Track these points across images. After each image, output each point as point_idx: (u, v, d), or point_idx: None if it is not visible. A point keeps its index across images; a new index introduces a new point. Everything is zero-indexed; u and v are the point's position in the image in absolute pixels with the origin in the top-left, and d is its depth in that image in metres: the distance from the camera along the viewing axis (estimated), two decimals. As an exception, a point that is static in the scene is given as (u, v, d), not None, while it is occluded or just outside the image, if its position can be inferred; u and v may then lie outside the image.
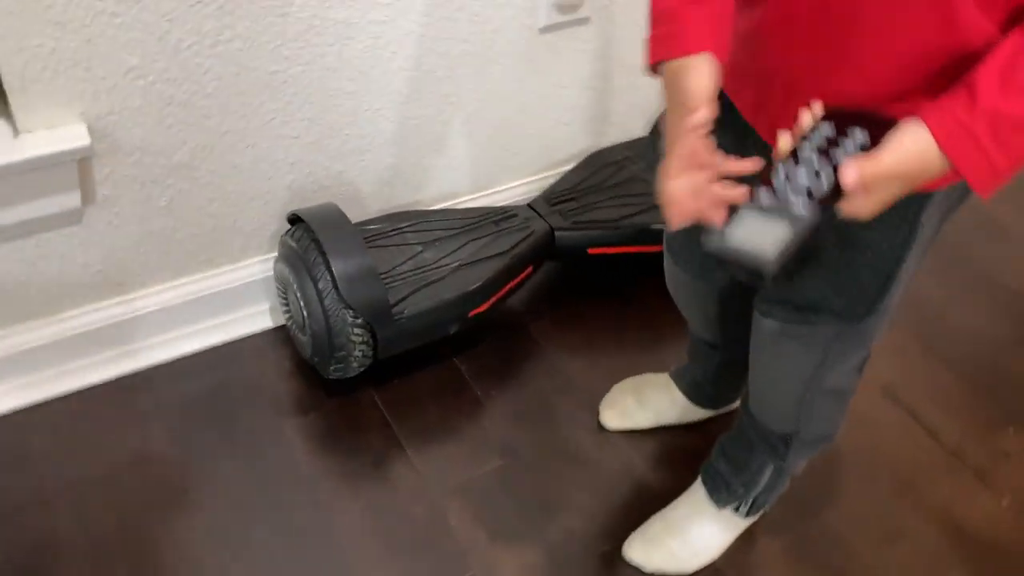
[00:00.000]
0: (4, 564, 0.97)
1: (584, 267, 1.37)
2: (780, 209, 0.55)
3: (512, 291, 1.24)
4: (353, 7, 1.07)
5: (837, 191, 0.56)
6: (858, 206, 0.58)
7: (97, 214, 1.06)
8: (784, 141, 0.60)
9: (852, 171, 0.56)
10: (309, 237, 1.10)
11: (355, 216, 1.22)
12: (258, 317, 1.26)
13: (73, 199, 1.01)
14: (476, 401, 1.20)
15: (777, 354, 0.88)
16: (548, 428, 1.17)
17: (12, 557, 0.98)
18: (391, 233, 1.21)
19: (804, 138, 0.59)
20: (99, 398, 1.15)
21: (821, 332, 0.82)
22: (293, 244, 1.12)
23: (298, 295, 1.10)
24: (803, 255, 0.55)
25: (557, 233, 1.27)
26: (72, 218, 1.04)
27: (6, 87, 0.92)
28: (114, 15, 0.93)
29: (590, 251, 1.30)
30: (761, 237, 0.53)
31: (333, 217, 1.12)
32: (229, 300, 1.22)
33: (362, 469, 1.10)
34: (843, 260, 0.76)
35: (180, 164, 1.08)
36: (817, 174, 0.57)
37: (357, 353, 1.11)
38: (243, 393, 1.17)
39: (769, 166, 0.59)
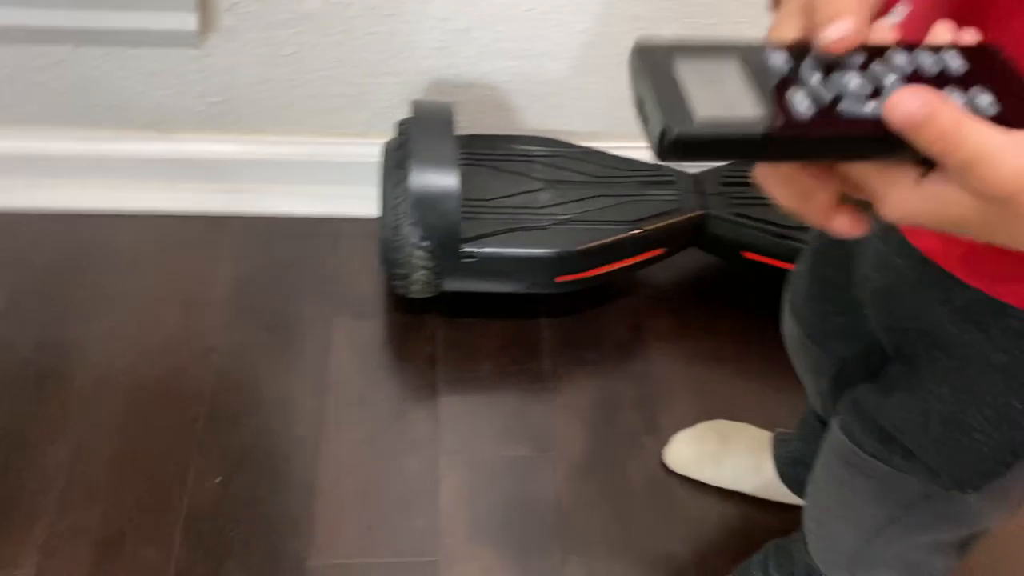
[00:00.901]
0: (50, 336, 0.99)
1: (734, 269, 1.11)
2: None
3: (629, 268, 1.03)
4: None
5: (876, 131, 0.29)
6: (890, 194, 0.30)
7: (219, 43, 1.01)
8: (885, 32, 0.33)
9: (915, 102, 0.27)
10: (406, 135, 0.98)
11: (495, 129, 1.07)
12: (365, 202, 1.16)
13: (188, 21, 0.96)
14: (539, 376, 1.03)
15: (841, 481, 0.62)
16: (602, 439, 0.98)
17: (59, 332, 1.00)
18: (517, 158, 1.05)
19: (909, 49, 0.32)
20: (188, 226, 1.13)
21: (905, 482, 0.56)
22: (393, 138, 1.00)
23: (381, 193, 0.99)
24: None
25: (710, 220, 1.04)
26: (189, 40, 0.99)
27: None
28: None
29: (744, 254, 1.05)
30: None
31: (438, 121, 0.98)
32: (341, 173, 1.14)
33: (382, 396, 1.00)
34: (954, 407, 0.50)
35: (309, 14, 0.99)
36: (874, 92, 0.30)
37: (418, 276, 0.98)
38: (315, 272, 1.10)
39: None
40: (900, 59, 0.31)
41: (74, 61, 1.01)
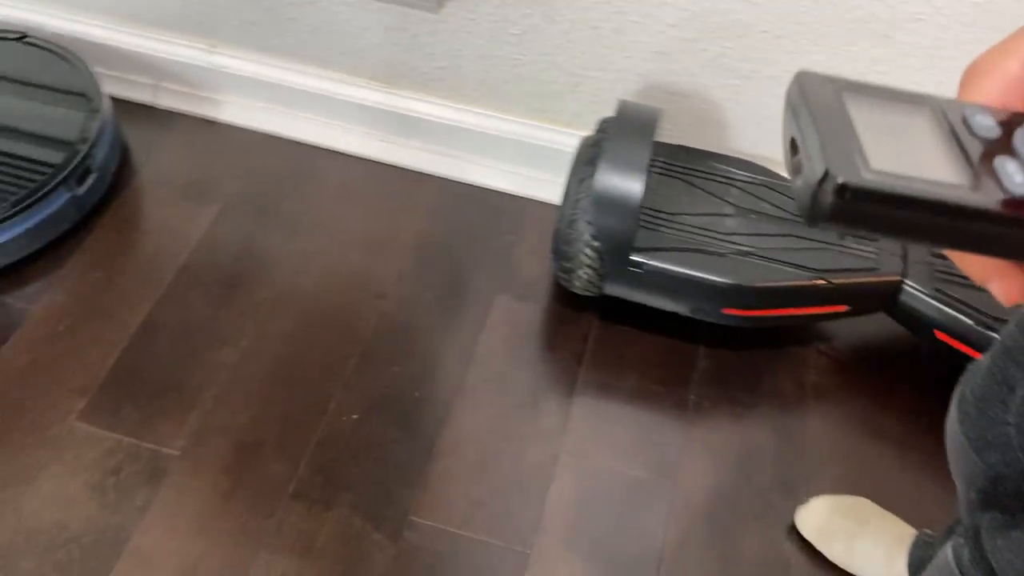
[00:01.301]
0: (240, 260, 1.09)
1: (923, 345, 1.02)
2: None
3: (805, 317, 0.98)
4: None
5: None
6: None
7: (455, 12, 1.05)
8: None
9: None
10: (604, 134, 0.97)
11: (703, 144, 1.05)
12: (555, 188, 1.17)
13: (432, -15, 1.01)
14: (681, 403, 1.00)
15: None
16: (728, 484, 0.94)
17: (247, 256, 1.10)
18: (716, 178, 1.01)
19: None
20: (392, 175, 1.19)
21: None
22: (591, 134, 1.00)
23: (566, 184, 0.99)
24: None
25: (907, 290, 0.95)
26: (428, 4, 1.04)
27: None
28: None
29: (937, 333, 0.96)
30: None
31: (640, 125, 0.96)
32: (540, 157, 1.16)
33: (521, 380, 1.01)
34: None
35: (544, -1, 1.00)
36: None
37: (582, 274, 0.98)
38: (492, 246, 1.13)
39: None
40: None
41: (327, 5, 1.08)
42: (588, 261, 0.97)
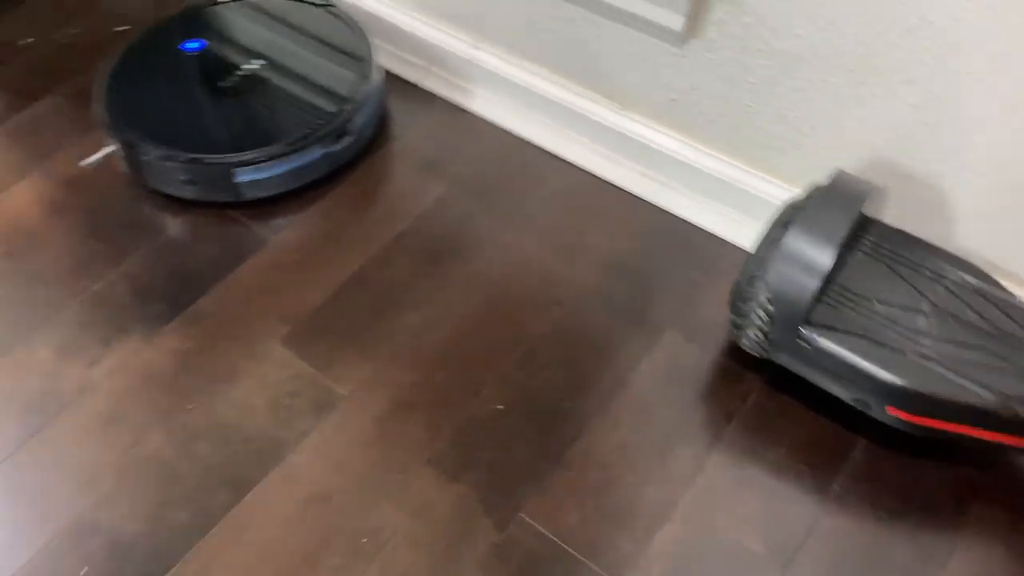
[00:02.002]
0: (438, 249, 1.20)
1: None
2: None
3: (984, 442, 0.90)
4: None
5: None
6: None
7: (697, 50, 1.06)
8: None
9: None
10: (810, 199, 0.95)
11: (922, 232, 1.00)
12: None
13: (677, 21, 1.03)
14: (823, 489, 0.96)
15: None
16: (845, 584, 0.90)
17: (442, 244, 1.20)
18: (923, 270, 0.96)
19: None
20: (605, 191, 1.24)
21: None
22: (798, 198, 0.98)
23: (758, 240, 0.98)
24: None
25: (1111, 445, 0.85)
26: (673, 38, 1.06)
27: None
28: None
29: None
30: None
31: (847, 198, 0.93)
32: (749, 204, 1.15)
33: (664, 420, 1.02)
34: None
35: (782, 52, 0.99)
36: None
37: (752, 333, 0.97)
38: (679, 280, 1.14)
39: None
40: None
41: (580, 23, 1.14)
42: (759, 323, 0.95)
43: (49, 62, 1.44)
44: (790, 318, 0.92)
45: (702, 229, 1.19)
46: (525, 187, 1.25)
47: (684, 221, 1.20)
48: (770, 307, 0.93)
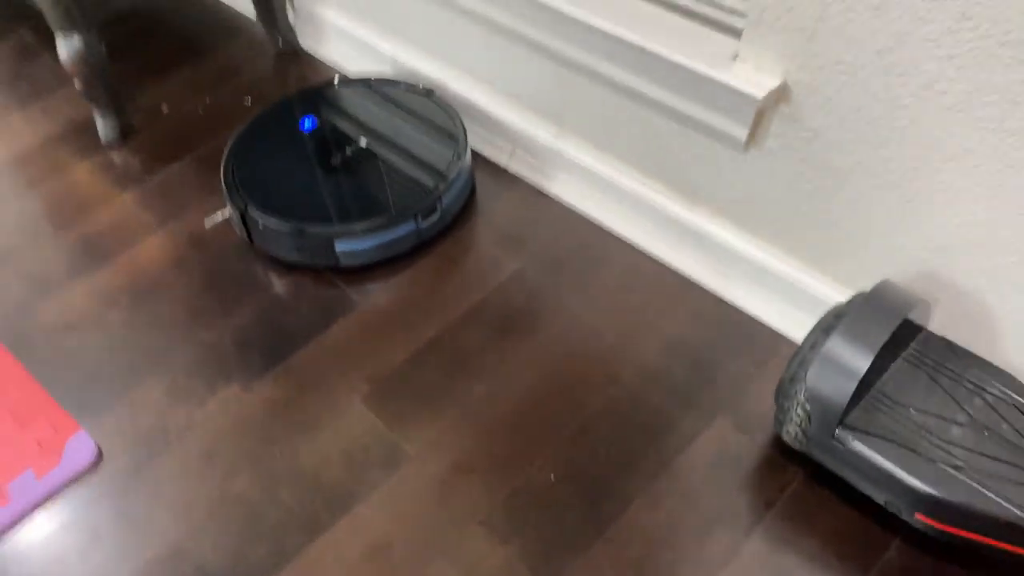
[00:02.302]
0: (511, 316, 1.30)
1: None
2: None
3: (1013, 556, 0.93)
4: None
5: None
6: None
7: (758, 156, 1.14)
8: None
9: None
10: (853, 306, 1.00)
11: (976, 345, 1.04)
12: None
13: (741, 132, 1.11)
14: (853, 584, 1.00)
15: None
16: None
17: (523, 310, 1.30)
18: (963, 382, 1.00)
19: None
20: (666, 275, 1.32)
21: None
22: (842, 303, 1.04)
23: (803, 341, 1.04)
24: None
25: None
26: (736, 145, 1.15)
27: (745, 19, 1.03)
28: (849, 8, 0.92)
29: None
30: None
31: (892, 306, 0.98)
32: (805, 301, 1.20)
33: (704, 504, 1.08)
34: None
35: (838, 168, 1.06)
36: None
37: (791, 428, 1.03)
38: (734, 369, 1.20)
39: None
40: None
41: (653, 123, 1.24)
42: (798, 420, 1.01)
43: (185, 129, 1.63)
44: (826, 419, 0.97)
45: (759, 321, 1.25)
46: (594, 268, 1.34)
47: (742, 312, 1.27)
48: (808, 406, 0.99)
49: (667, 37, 1.12)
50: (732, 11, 1.07)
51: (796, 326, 1.22)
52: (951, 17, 0.85)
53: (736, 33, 1.08)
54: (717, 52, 1.08)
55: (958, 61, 0.87)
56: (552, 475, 1.11)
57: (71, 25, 1.40)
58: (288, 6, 1.74)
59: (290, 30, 1.74)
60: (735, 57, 1.07)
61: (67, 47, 1.43)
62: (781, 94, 1.04)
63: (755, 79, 1.04)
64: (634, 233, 1.36)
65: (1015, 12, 0.81)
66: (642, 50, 1.12)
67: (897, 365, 1.02)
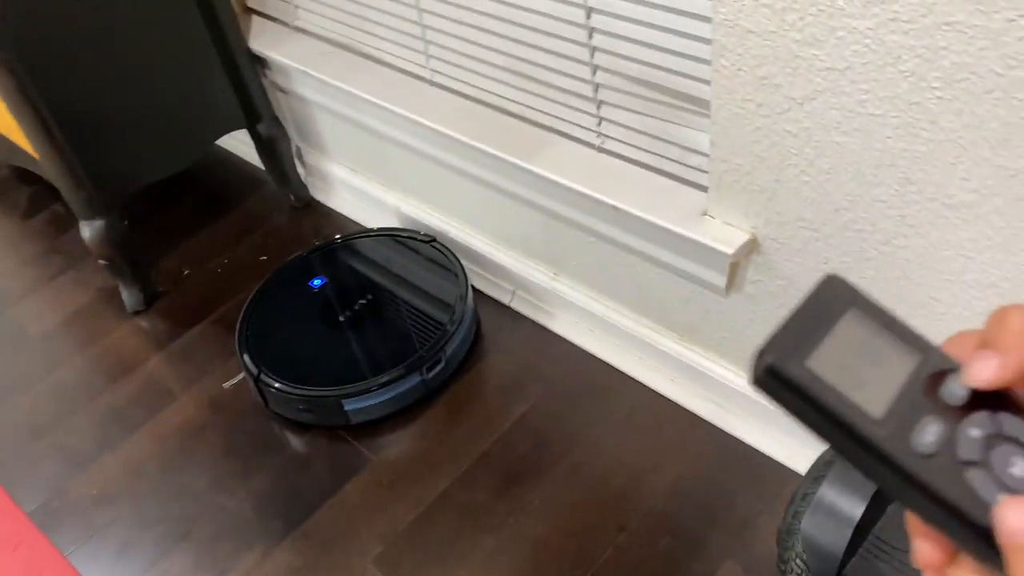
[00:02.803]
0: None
1: None
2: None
3: None
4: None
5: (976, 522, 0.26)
6: None
7: (740, 300, 1.17)
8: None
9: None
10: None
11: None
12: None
13: (719, 280, 1.15)
14: None
15: None
16: None
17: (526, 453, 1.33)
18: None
19: None
20: (672, 412, 1.34)
21: None
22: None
23: (798, 487, 1.05)
24: None
25: None
26: (718, 291, 1.18)
27: (709, 180, 1.08)
28: (803, 172, 0.96)
29: None
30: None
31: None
32: (805, 436, 1.21)
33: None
34: None
35: (816, 311, 1.09)
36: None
37: (793, 578, 1.03)
38: (742, 508, 1.21)
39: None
40: None
41: (640, 269, 1.28)
42: (798, 571, 1.01)
43: (205, 290, 1.72)
44: (825, 572, 0.98)
45: (764, 454, 1.26)
46: (599, 408, 1.37)
47: (747, 446, 1.28)
48: (805, 557, 0.99)
49: (642, 194, 1.17)
50: (698, 169, 1.12)
51: (802, 459, 1.23)
52: (896, 181, 0.89)
53: (705, 188, 1.13)
54: (689, 207, 1.13)
55: (910, 220, 0.91)
56: (563, 633, 1.12)
57: (92, 213, 1.51)
58: (297, 162, 1.84)
59: (301, 185, 1.84)
60: (704, 213, 1.11)
61: (90, 231, 1.53)
62: (752, 247, 1.08)
63: (724, 235, 1.08)
64: (636, 369, 1.39)
65: (954, 178, 0.84)
66: (616, 209, 1.17)
67: (895, 507, 1.02)
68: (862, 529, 0.97)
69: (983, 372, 0.26)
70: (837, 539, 0.96)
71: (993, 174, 0.81)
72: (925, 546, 0.27)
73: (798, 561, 1.00)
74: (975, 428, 0.27)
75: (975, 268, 0.89)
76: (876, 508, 0.99)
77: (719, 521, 1.20)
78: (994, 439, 0.27)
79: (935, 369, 0.28)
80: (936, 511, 0.26)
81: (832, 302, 0.28)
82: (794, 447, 1.23)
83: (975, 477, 0.26)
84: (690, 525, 1.20)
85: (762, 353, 0.27)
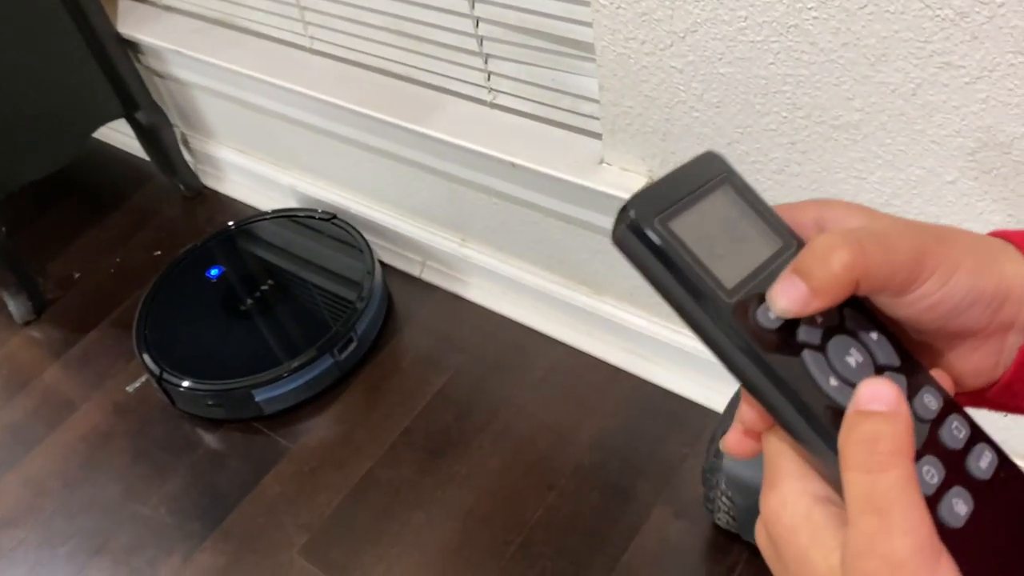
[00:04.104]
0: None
1: None
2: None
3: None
4: None
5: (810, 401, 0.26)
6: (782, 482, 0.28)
7: (646, 246, 1.16)
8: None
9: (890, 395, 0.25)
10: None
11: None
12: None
13: (623, 227, 1.13)
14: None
15: None
16: None
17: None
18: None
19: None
20: (591, 366, 1.32)
21: None
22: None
23: (720, 420, 1.05)
24: None
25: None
26: (623, 239, 1.16)
27: (602, 126, 1.05)
28: (692, 108, 0.95)
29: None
30: None
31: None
32: (723, 374, 1.21)
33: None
34: None
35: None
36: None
37: (720, 516, 1.03)
38: (667, 454, 1.21)
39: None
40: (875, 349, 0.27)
41: (544, 224, 1.26)
42: (725, 508, 1.01)
43: (97, 292, 1.63)
44: (751, 506, 0.98)
45: (683, 397, 1.26)
46: (518, 371, 1.35)
47: (665, 390, 1.28)
48: (731, 494, 0.99)
49: (538, 147, 1.14)
50: (591, 116, 1.09)
51: (720, 397, 1.23)
52: (783, 108, 0.88)
53: (599, 136, 1.10)
54: (585, 156, 1.11)
55: (800, 146, 0.90)
56: (500, 600, 1.10)
57: (-39, 221, 1.40)
58: (184, 150, 1.75)
59: (190, 173, 1.76)
60: (601, 161, 1.09)
61: (-38, 241, 1.43)
62: (651, 190, 1.06)
63: (622, 181, 1.06)
64: (552, 328, 1.37)
65: (839, 99, 0.83)
66: (513, 165, 1.14)
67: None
68: (782, 460, 0.97)
69: (784, 302, 0.27)
70: (759, 471, 0.96)
71: (875, 91, 0.81)
72: (745, 409, 0.29)
73: (724, 499, 1.00)
74: (820, 316, 0.27)
75: (868, 188, 0.89)
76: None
77: (646, 469, 1.20)
78: (834, 330, 0.27)
79: (791, 256, 0.28)
80: (767, 383, 0.26)
81: (706, 175, 0.28)
82: (712, 387, 1.24)
83: (810, 358, 0.26)
84: (618, 477, 1.20)
85: (626, 209, 0.26)
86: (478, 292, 1.45)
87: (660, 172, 1.04)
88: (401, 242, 1.51)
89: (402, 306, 1.48)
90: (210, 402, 1.32)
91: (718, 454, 1.01)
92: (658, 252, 0.26)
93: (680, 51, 0.90)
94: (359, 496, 1.24)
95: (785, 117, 0.89)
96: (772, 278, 0.27)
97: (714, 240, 0.27)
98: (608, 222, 1.08)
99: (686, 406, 1.26)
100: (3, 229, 1.51)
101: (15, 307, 1.58)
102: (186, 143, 1.77)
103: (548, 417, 1.28)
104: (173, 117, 1.72)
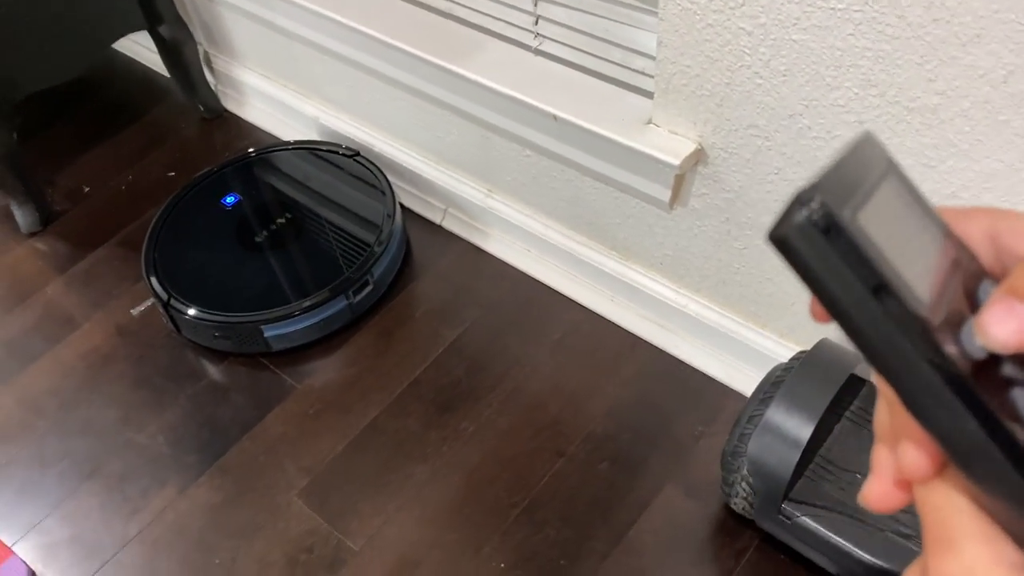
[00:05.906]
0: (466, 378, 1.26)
1: None
2: None
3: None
4: None
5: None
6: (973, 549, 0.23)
7: (684, 215, 1.11)
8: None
9: None
10: (791, 370, 0.98)
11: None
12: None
13: (663, 193, 1.08)
14: (812, 656, 0.98)
15: None
16: None
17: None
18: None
19: None
20: (612, 333, 1.28)
21: None
22: (780, 366, 1.01)
23: (743, 410, 1.02)
24: None
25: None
26: (662, 206, 1.11)
27: (655, 85, 1.00)
28: (756, 74, 0.89)
29: None
30: None
31: (832, 367, 0.95)
32: (751, 355, 1.18)
33: (661, 574, 1.05)
34: None
35: (764, 226, 1.03)
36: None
37: (738, 501, 1.00)
38: (682, 430, 1.17)
39: None
40: None
41: (579, 183, 1.20)
42: (744, 494, 0.98)
43: (108, 209, 1.58)
44: (770, 494, 0.95)
45: (704, 374, 1.23)
46: (535, 330, 1.31)
47: (686, 365, 1.24)
48: (752, 480, 0.96)
49: (583, 101, 1.08)
50: (643, 73, 1.03)
51: (743, 378, 1.19)
52: (856, 84, 0.82)
53: (650, 95, 1.05)
54: (632, 115, 1.05)
55: (868, 126, 0.85)
56: (501, 563, 1.07)
57: (-28, 122, 1.35)
58: (206, 69, 1.69)
59: (211, 95, 1.69)
60: (649, 122, 1.04)
61: (-29, 143, 1.37)
62: (698, 157, 1.01)
63: (670, 145, 1.01)
64: (574, 290, 1.33)
65: (919, 79, 0.78)
66: (555, 117, 1.08)
67: (841, 426, 0.99)
68: (809, 451, 0.94)
69: (1003, 333, 0.22)
70: (784, 461, 0.93)
71: (961, 74, 0.75)
72: (913, 453, 0.24)
73: (744, 484, 0.96)
74: None
75: (935, 177, 0.84)
76: (823, 429, 0.96)
77: (659, 444, 1.17)
78: None
79: (962, 262, 0.24)
80: (972, 425, 0.22)
81: (872, 163, 0.24)
82: (735, 365, 1.20)
83: (1020, 396, 0.22)
84: (630, 449, 1.16)
85: (806, 197, 0.21)
86: (500, 246, 1.40)
87: (711, 139, 0.99)
88: (424, 187, 1.45)
89: (420, 253, 1.44)
90: (217, 334, 1.28)
91: (742, 437, 0.97)
92: (850, 250, 0.21)
93: (752, 11, 0.84)
94: (363, 443, 1.20)
95: (856, 93, 0.83)
96: (960, 294, 0.23)
97: (900, 243, 0.23)
98: (650, 186, 1.03)
99: (706, 383, 1.22)
100: (14, 136, 1.45)
101: (21, 217, 1.53)
102: (209, 63, 1.70)
103: (562, 381, 1.24)
104: (198, 34, 1.65)
